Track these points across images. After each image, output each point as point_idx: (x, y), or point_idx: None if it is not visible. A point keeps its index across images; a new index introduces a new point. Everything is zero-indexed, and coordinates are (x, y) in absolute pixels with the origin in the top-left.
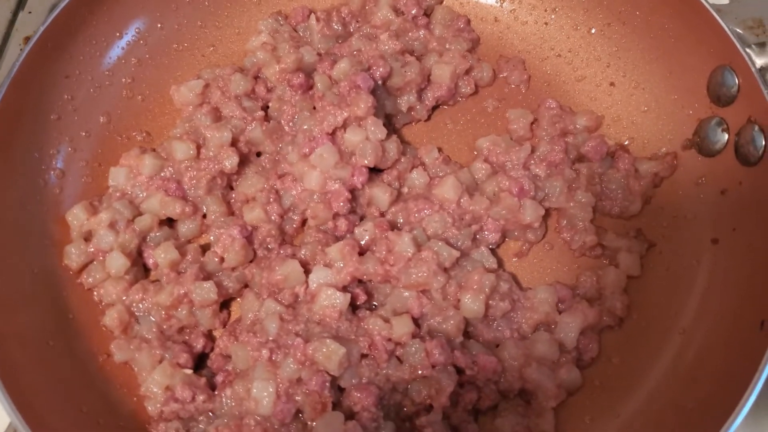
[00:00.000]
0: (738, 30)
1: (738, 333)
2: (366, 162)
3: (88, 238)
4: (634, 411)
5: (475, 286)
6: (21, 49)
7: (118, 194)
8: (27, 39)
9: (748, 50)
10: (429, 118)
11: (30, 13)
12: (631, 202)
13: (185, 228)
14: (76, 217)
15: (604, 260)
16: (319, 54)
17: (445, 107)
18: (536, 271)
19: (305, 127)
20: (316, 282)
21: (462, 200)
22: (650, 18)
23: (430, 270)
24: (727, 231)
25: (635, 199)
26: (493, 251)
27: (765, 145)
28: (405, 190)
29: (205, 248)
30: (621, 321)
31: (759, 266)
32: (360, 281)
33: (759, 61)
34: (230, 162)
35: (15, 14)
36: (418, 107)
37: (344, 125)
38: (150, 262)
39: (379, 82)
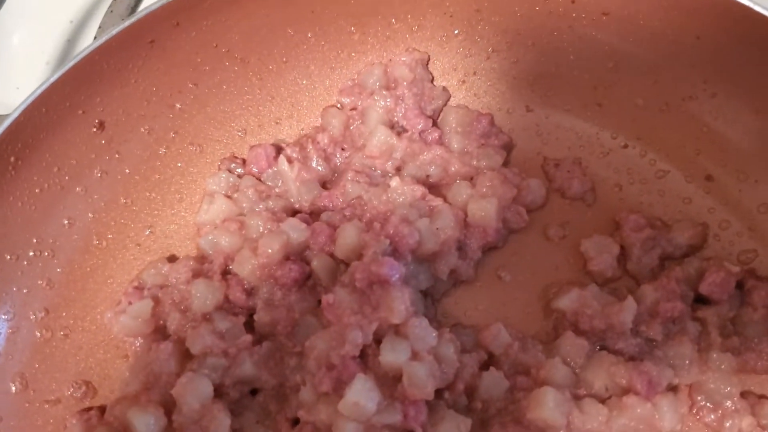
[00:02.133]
0: None
1: None
2: (423, 394)
3: None
4: None
5: None
6: None
7: None
8: None
9: None
10: (475, 274)
11: None
12: None
13: None
14: None
15: None
16: (303, 215)
17: (493, 249)
18: None
19: (316, 348)
20: None
21: (571, 418)
22: (760, 79)
23: None
24: None
25: None
26: None
27: None
28: (478, 405)
29: None
30: None
31: None
32: None
33: None
34: (219, 428)
35: None
36: (462, 267)
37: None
38: None
39: (409, 259)
